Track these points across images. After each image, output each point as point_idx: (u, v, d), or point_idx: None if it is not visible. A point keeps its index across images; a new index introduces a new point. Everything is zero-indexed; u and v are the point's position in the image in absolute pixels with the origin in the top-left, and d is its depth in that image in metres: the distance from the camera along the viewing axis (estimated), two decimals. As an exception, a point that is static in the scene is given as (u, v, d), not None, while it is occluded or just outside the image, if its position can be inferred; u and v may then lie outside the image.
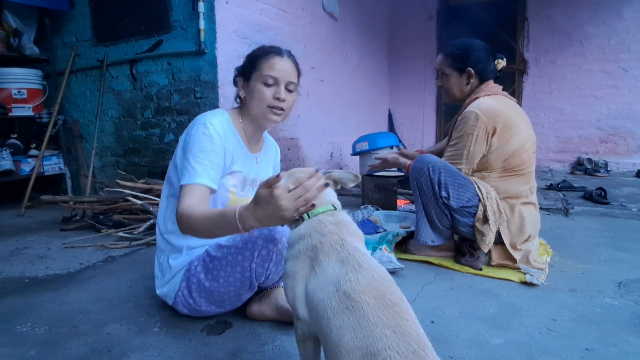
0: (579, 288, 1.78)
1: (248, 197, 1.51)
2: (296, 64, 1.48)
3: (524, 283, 1.82)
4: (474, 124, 1.91)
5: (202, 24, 3.13)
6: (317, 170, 1.05)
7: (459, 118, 2.02)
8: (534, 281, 1.80)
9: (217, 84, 3.20)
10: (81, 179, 3.89)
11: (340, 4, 4.84)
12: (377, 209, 2.83)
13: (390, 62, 6.56)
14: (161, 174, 3.42)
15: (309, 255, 0.99)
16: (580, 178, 4.83)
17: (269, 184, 1.01)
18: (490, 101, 1.97)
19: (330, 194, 1.13)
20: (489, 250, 1.97)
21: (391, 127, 6.65)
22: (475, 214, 1.93)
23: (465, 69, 2.04)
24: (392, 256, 1.99)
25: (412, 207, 2.98)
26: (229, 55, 3.25)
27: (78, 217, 3.03)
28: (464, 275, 1.94)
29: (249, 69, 1.44)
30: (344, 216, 1.08)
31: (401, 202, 3.15)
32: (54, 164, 3.86)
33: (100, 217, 2.82)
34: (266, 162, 1.63)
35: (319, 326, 0.92)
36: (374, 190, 3.06)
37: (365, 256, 0.97)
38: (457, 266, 2.01)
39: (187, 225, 1.24)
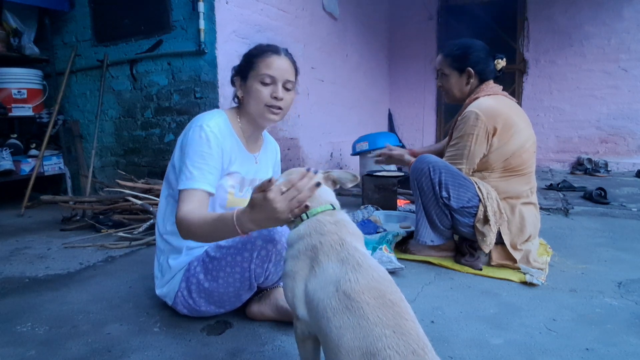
0: (579, 288, 1.78)
1: (247, 197, 1.51)
2: (294, 62, 1.46)
3: (524, 283, 1.82)
4: (474, 124, 1.91)
5: (202, 24, 3.13)
6: (308, 170, 1.05)
7: (459, 118, 2.02)
8: (534, 281, 1.80)
9: (217, 84, 3.20)
10: (81, 179, 3.90)
11: (340, 4, 4.85)
12: (377, 209, 2.82)
13: (390, 62, 6.56)
14: (161, 174, 3.42)
15: (309, 255, 0.99)
16: (580, 178, 4.83)
17: (262, 189, 1.01)
18: (491, 101, 1.97)
19: (329, 194, 1.13)
20: (489, 251, 1.97)
21: (391, 127, 6.65)
22: (475, 214, 1.93)
23: (465, 69, 2.04)
24: (392, 256, 1.99)
25: (412, 207, 2.98)
26: (229, 55, 3.25)
27: (78, 217, 3.03)
28: (464, 275, 1.94)
29: (246, 68, 1.43)
30: (343, 216, 1.08)
31: (401, 202, 3.15)
32: (54, 164, 3.86)
33: (100, 217, 2.82)
34: (265, 161, 1.63)
35: (318, 326, 0.92)
36: (374, 190, 3.06)
37: (364, 256, 0.97)
38: (457, 266, 2.01)
39: (187, 231, 1.25)
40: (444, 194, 1.92)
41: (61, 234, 2.75)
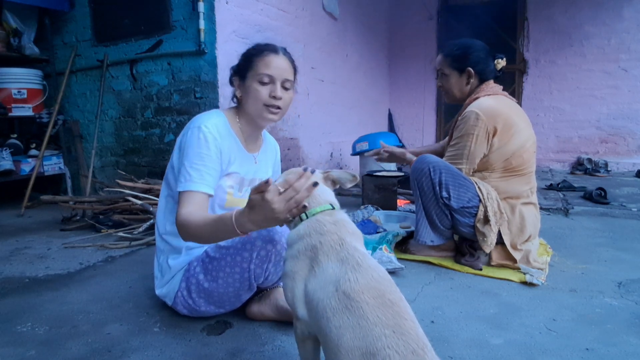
0: (579, 288, 1.78)
1: (246, 197, 1.51)
2: (292, 61, 1.45)
3: (524, 283, 1.82)
4: (475, 124, 1.91)
5: (202, 24, 3.13)
6: (305, 170, 1.05)
7: (459, 118, 2.02)
8: (534, 281, 1.80)
9: (217, 84, 3.20)
10: (81, 179, 3.90)
11: (340, 4, 4.85)
12: (377, 209, 2.82)
13: (390, 62, 6.56)
14: (161, 174, 3.42)
15: (309, 255, 0.99)
16: (580, 178, 4.83)
17: (259, 190, 1.01)
18: (491, 101, 1.97)
19: (328, 194, 1.13)
20: (490, 251, 1.97)
21: (391, 127, 6.66)
22: (475, 214, 1.93)
23: (465, 69, 2.04)
24: (392, 256, 1.99)
25: (412, 207, 2.98)
26: (229, 55, 3.25)
27: (78, 217, 3.03)
28: (464, 275, 1.94)
29: (244, 67, 1.43)
30: (343, 216, 1.08)
31: (401, 202, 3.15)
32: (54, 164, 3.86)
33: (100, 217, 2.82)
34: (265, 161, 1.62)
35: (318, 326, 0.92)
36: (374, 190, 3.06)
37: (364, 256, 0.97)
38: (457, 266, 2.01)
39: (187, 234, 1.25)
40: (444, 194, 1.92)
41: (61, 234, 2.75)
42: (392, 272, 1.87)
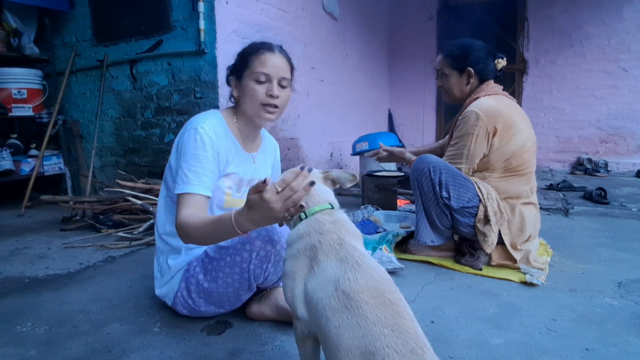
0: (579, 288, 1.78)
1: (244, 197, 1.51)
2: (289, 59, 1.44)
3: (524, 283, 1.82)
4: (475, 124, 1.91)
5: (202, 24, 3.13)
6: (302, 169, 1.05)
7: (459, 118, 2.02)
8: (534, 281, 1.80)
9: (217, 84, 3.20)
10: (81, 179, 3.90)
11: (340, 4, 4.84)
12: (377, 209, 2.82)
13: (390, 62, 6.56)
14: (161, 174, 3.41)
15: (308, 254, 0.99)
16: (580, 178, 4.83)
17: (257, 189, 1.01)
18: (491, 101, 1.97)
19: (327, 193, 1.13)
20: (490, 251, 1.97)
21: (391, 127, 6.65)
22: (475, 214, 1.93)
23: (465, 69, 2.04)
24: (392, 256, 1.99)
25: (412, 207, 2.98)
26: (229, 55, 3.25)
27: (78, 217, 3.03)
28: (464, 275, 1.94)
29: (241, 66, 1.42)
30: (342, 215, 1.08)
31: (401, 202, 3.15)
32: (54, 164, 3.86)
33: (100, 217, 2.82)
34: (264, 161, 1.62)
35: (318, 325, 0.92)
36: (374, 190, 3.06)
37: (363, 255, 0.97)
38: (457, 266, 2.01)
39: (187, 236, 1.25)
40: (444, 194, 1.92)
41: (61, 234, 2.75)
42: (392, 272, 1.88)
